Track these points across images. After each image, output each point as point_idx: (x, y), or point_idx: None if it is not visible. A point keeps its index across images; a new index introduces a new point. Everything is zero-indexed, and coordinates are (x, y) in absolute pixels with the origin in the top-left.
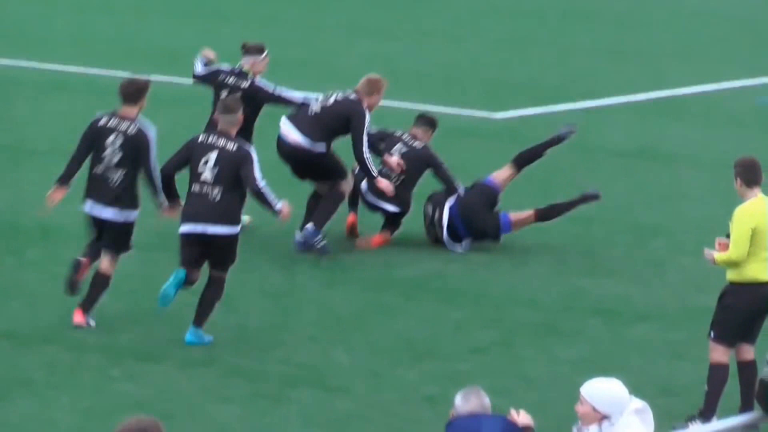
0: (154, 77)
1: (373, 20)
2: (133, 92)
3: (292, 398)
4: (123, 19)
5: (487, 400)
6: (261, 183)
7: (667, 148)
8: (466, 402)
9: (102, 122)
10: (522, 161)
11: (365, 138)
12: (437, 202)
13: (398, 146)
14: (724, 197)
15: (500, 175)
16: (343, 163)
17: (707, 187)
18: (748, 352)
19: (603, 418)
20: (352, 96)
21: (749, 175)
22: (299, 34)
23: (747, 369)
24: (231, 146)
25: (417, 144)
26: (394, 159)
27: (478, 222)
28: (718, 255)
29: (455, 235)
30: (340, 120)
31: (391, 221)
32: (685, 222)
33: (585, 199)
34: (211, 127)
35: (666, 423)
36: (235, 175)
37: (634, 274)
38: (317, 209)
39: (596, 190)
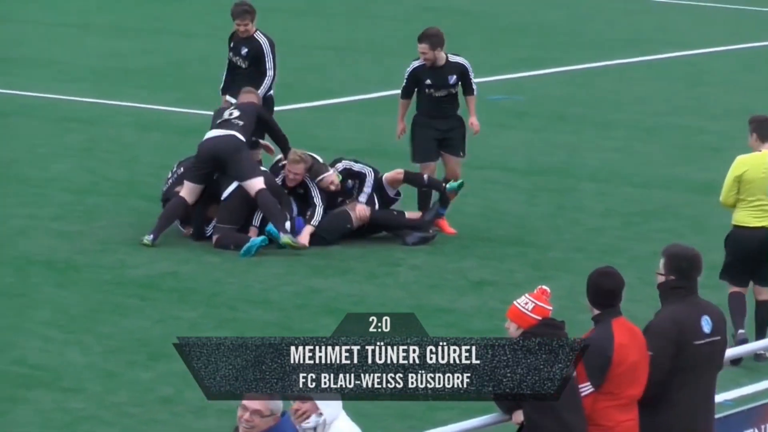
0: None
1: (104, 17)
2: None
3: (28, 399)
4: None
5: None
6: None
7: (396, 145)
8: None
9: None
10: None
11: None
12: None
13: None
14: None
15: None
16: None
17: None
18: (760, 292)
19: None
20: None
21: (763, 131)
22: (31, 32)
23: (761, 307)
24: None
25: None
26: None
27: None
28: None
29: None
30: None
31: None
32: None
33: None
34: None
35: (402, 422)
36: None
37: (367, 273)
38: None
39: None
